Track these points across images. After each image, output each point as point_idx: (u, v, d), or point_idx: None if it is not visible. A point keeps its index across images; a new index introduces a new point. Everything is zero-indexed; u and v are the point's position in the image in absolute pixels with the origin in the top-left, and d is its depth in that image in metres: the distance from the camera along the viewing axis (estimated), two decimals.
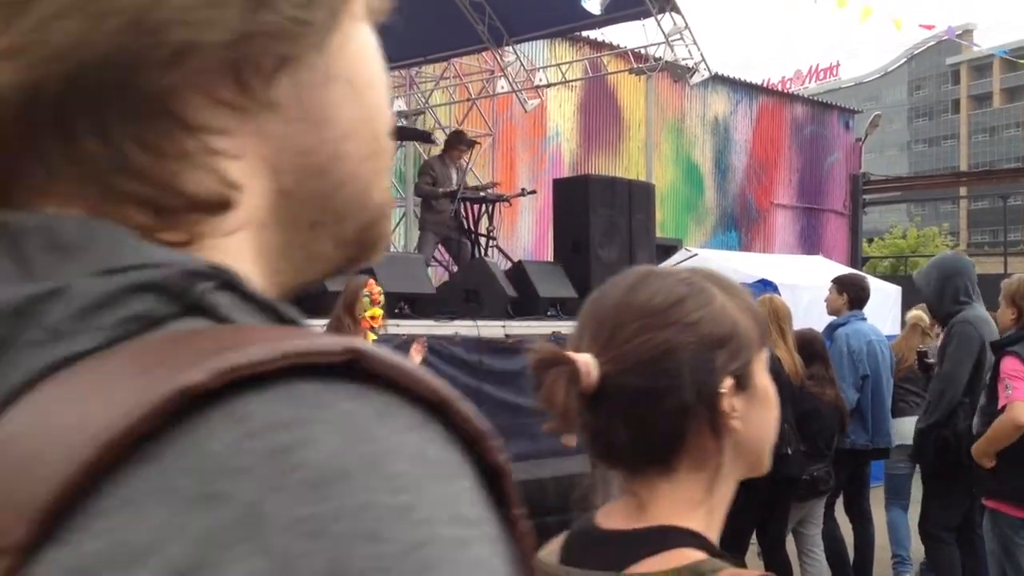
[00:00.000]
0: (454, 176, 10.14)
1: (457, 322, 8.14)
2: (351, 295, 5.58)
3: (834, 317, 6.57)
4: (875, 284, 11.16)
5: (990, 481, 4.42)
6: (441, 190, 9.98)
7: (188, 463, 0.36)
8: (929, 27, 16.32)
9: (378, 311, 5.56)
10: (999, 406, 4.37)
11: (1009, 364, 4.38)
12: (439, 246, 10.77)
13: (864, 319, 6.46)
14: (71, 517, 0.35)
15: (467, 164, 10.48)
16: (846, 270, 8.99)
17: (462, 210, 10.05)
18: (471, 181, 13.79)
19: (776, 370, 5.35)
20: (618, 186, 9.71)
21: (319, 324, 7.06)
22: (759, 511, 5.47)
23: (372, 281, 5.64)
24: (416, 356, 5.72)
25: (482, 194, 10.41)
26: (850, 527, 6.39)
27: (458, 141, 10.47)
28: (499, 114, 16.25)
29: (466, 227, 10.10)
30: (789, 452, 5.32)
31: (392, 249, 12.28)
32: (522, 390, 8.22)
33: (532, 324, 8.36)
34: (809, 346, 5.74)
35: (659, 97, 19.41)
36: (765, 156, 22.81)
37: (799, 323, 7.98)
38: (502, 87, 13.99)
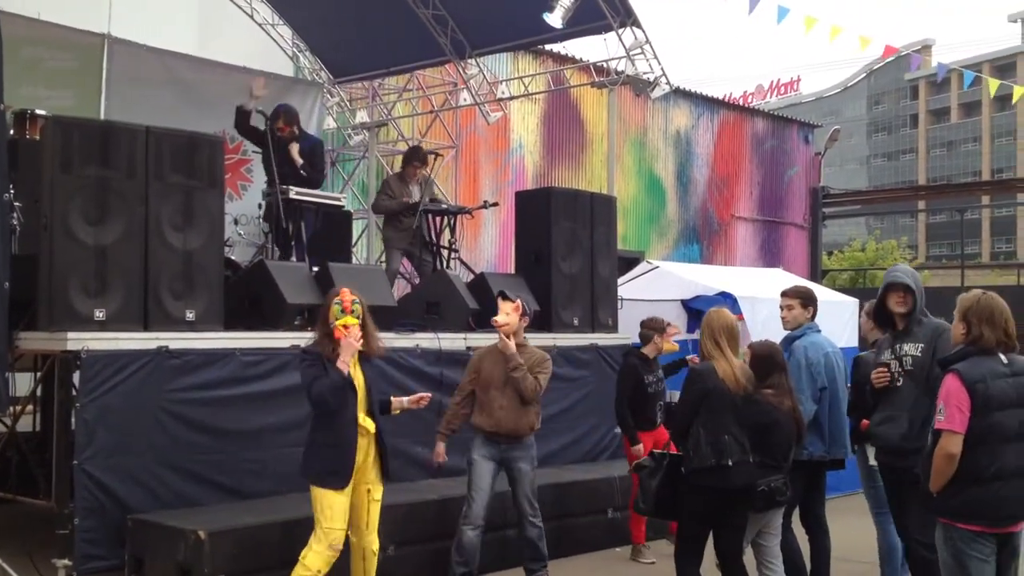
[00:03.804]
0: (415, 192, 10.04)
1: (418, 334, 8.11)
2: (326, 307, 5.51)
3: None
4: (834, 296, 11.29)
5: (941, 498, 4.46)
6: (405, 201, 9.92)
7: None
8: (894, 49, 16.50)
9: (352, 320, 5.39)
10: (934, 427, 4.45)
11: (948, 384, 4.44)
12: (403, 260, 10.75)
13: (819, 331, 6.50)
14: None
15: (430, 176, 10.46)
16: (804, 282, 9.05)
17: (424, 223, 10.02)
18: (436, 193, 13.79)
19: (715, 382, 5.40)
20: (580, 199, 9.74)
21: (289, 336, 7.00)
22: (710, 522, 5.50)
23: (346, 290, 5.50)
24: None
25: (443, 206, 10.39)
26: (806, 538, 6.41)
27: (413, 157, 10.35)
28: (463, 126, 16.26)
29: (428, 240, 10.07)
30: (731, 464, 5.33)
31: (354, 261, 12.23)
32: None
33: (494, 336, 8.32)
34: (768, 358, 5.77)
35: (621, 110, 19.51)
36: (726, 169, 22.99)
37: (757, 335, 8.07)
38: (465, 99, 14.00)
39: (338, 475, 5.36)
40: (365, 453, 5.51)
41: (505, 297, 6.57)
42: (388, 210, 10.03)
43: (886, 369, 5.52)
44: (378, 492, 5.62)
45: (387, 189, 10.15)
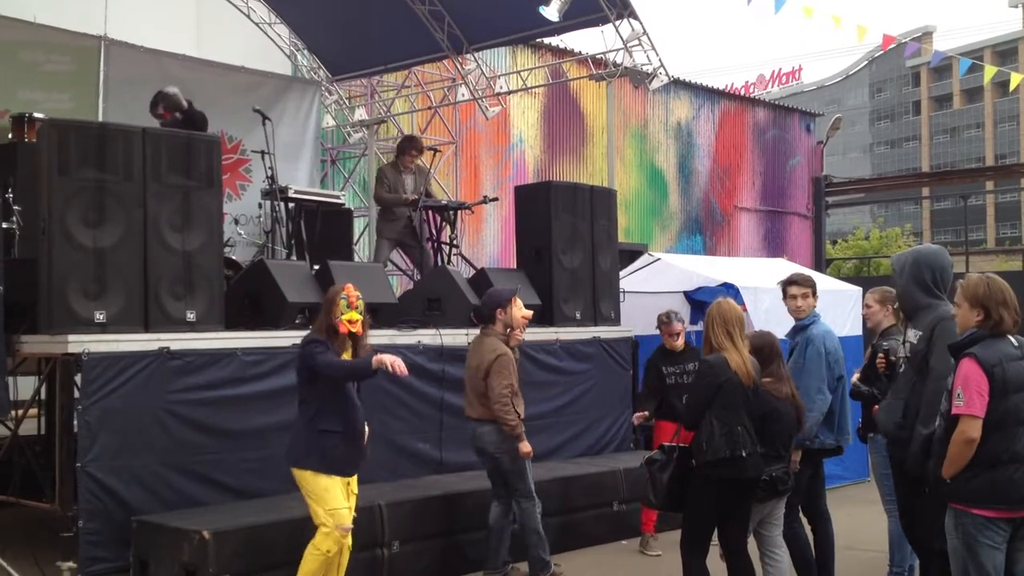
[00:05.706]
0: (408, 182, 9.93)
1: (420, 331, 8.10)
2: (329, 301, 5.55)
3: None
4: (837, 285, 11.25)
5: (954, 483, 4.40)
6: (405, 197, 9.85)
7: None
8: (892, 39, 16.42)
9: (356, 315, 5.45)
10: (951, 413, 4.37)
11: (966, 368, 4.36)
12: (399, 254, 10.68)
13: (820, 317, 6.46)
14: None
15: (430, 169, 10.39)
16: (803, 269, 9.01)
17: (424, 217, 9.97)
18: (436, 190, 13.76)
19: (728, 374, 5.38)
20: (580, 192, 9.70)
21: (290, 335, 7.01)
22: (720, 513, 5.48)
23: (351, 285, 5.56)
24: None
25: (443, 202, 10.36)
26: (809, 527, 6.38)
27: (410, 146, 10.19)
28: (462, 122, 16.23)
29: (429, 234, 10.03)
30: (745, 455, 5.33)
31: (356, 259, 12.22)
32: None
33: None
34: (769, 347, 5.77)
35: (622, 103, 19.47)
36: (728, 160, 22.93)
37: (760, 325, 8.05)
38: (463, 95, 13.98)
39: (352, 463, 5.52)
40: None
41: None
42: (388, 202, 9.99)
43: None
44: (354, 484, 5.69)
45: (383, 179, 10.09)
